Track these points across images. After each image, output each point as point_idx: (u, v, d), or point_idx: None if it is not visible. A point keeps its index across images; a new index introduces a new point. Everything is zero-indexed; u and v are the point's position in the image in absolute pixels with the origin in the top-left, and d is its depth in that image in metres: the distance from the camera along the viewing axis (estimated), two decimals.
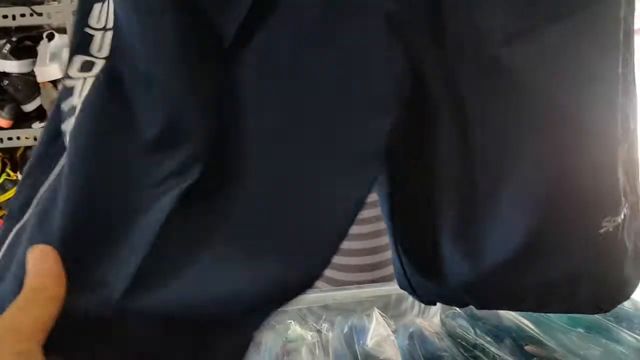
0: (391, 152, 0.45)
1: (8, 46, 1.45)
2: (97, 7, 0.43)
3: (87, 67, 0.43)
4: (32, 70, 1.47)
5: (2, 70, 1.44)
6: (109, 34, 0.43)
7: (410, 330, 0.73)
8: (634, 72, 0.49)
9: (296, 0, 0.44)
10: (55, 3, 1.45)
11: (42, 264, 0.36)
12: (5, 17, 1.41)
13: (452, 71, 0.46)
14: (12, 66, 1.43)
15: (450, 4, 0.45)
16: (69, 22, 1.42)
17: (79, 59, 0.43)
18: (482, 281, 0.50)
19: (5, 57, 1.43)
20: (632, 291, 0.51)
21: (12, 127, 1.49)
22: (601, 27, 0.46)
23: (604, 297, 0.51)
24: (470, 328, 0.69)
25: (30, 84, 1.46)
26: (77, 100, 0.42)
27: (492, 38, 0.45)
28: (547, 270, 0.48)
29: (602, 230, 0.46)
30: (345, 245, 0.83)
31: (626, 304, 0.72)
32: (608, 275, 0.49)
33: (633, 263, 0.50)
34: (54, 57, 1.47)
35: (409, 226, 0.54)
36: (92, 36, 0.43)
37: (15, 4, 1.42)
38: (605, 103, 0.47)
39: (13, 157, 1.56)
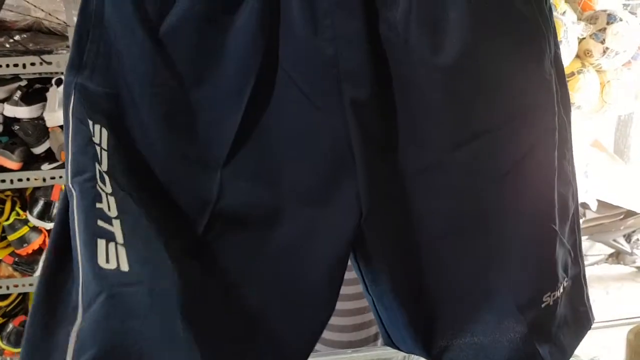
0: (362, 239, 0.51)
1: (19, 93, 1.51)
2: (89, 123, 0.48)
3: (102, 179, 0.47)
4: (42, 114, 1.54)
5: (13, 116, 1.50)
6: (105, 154, 0.47)
7: None
8: (572, 163, 0.56)
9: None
10: (64, 52, 1.52)
11: None
12: (15, 65, 1.47)
13: (402, 172, 0.51)
14: (23, 112, 1.50)
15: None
16: None
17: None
18: (441, 344, 0.56)
19: (16, 104, 1.50)
20: (568, 357, 0.58)
21: (22, 169, 1.54)
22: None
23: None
24: None
25: (39, 128, 1.52)
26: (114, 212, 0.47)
27: (436, 145, 0.51)
28: (500, 337, 0.54)
29: (543, 305, 0.53)
30: None
31: None
32: (548, 343, 0.55)
33: (571, 330, 0.57)
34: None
35: (385, 296, 0.58)
36: (96, 148, 0.47)
37: (25, 54, 1.49)
38: (542, 188, 0.52)
39: (22, 196, 1.62)
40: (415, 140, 0.51)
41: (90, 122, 0.47)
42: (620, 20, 1.86)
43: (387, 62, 0.50)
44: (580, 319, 0.58)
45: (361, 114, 0.49)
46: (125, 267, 0.45)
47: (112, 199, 0.46)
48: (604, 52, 1.87)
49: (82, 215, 0.46)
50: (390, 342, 0.62)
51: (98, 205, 0.46)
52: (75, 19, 1.43)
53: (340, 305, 0.89)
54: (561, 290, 0.55)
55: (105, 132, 0.48)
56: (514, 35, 0.50)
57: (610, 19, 1.86)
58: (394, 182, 0.52)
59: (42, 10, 1.46)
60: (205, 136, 0.50)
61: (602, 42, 1.86)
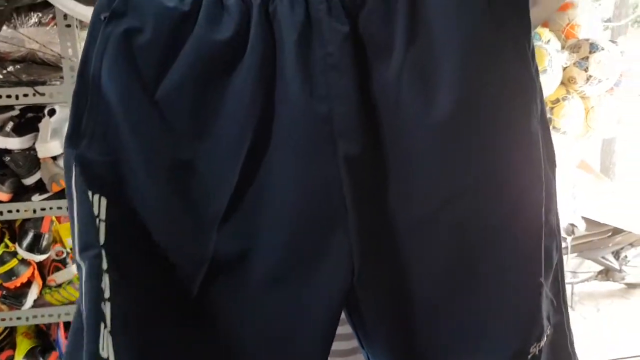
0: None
1: (11, 124, 1.51)
2: (89, 193, 0.49)
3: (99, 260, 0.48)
4: (33, 145, 1.54)
5: (4, 147, 1.49)
6: (102, 225, 0.49)
7: None
8: (557, 215, 0.57)
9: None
10: (58, 83, 1.52)
11: None
12: (8, 96, 1.47)
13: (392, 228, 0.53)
14: (14, 143, 1.49)
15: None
16: (70, 101, 1.49)
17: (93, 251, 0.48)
18: None
19: (8, 135, 1.49)
20: None
21: (12, 200, 1.52)
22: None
23: None
24: None
25: (31, 159, 1.51)
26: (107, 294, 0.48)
27: (428, 200, 0.52)
28: None
29: (529, 356, 0.55)
30: None
31: None
32: None
33: None
34: (55, 132, 1.53)
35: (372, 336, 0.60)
36: (97, 224, 0.49)
37: (18, 85, 1.49)
38: (529, 243, 0.54)
39: (11, 228, 1.62)
40: (407, 196, 0.52)
41: (90, 193, 0.49)
42: (602, 49, 1.90)
43: (380, 119, 0.51)
44: None
45: (354, 170, 0.50)
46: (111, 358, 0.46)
47: (106, 277, 0.47)
48: (588, 79, 1.91)
49: (88, 296, 0.47)
50: None
51: (101, 285, 0.47)
52: (69, 50, 1.44)
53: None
54: (545, 339, 0.56)
55: (104, 201, 0.49)
56: (504, 95, 0.52)
57: (593, 47, 1.90)
58: (387, 238, 0.53)
59: (37, 42, 1.47)
60: (203, 197, 0.51)
61: (586, 70, 1.90)
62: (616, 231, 2.97)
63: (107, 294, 0.47)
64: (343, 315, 0.88)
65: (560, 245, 0.58)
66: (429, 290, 0.55)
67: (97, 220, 0.49)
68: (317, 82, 0.50)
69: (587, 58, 1.88)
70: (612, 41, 2.06)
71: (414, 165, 0.52)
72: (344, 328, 0.88)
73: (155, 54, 0.50)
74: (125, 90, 0.50)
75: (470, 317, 0.55)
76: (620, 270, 3.09)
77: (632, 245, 3.17)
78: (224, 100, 0.50)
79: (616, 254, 3.09)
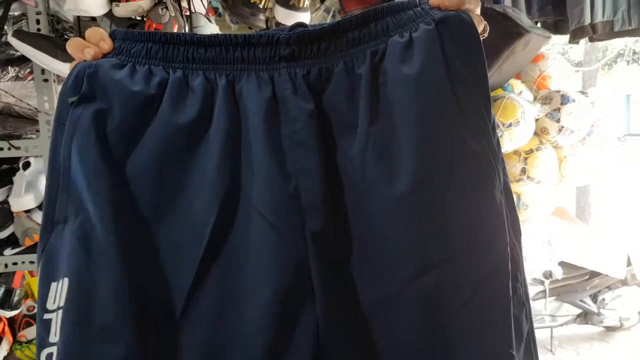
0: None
1: None
2: (53, 285, 0.49)
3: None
4: (7, 198, 1.53)
5: None
6: (60, 314, 0.48)
7: None
8: (525, 283, 0.57)
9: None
10: (34, 136, 1.52)
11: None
12: None
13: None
14: None
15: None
16: (46, 155, 1.49)
17: (44, 354, 0.48)
18: None
19: None
20: None
21: None
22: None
23: None
24: None
25: (4, 213, 1.49)
26: None
27: (395, 275, 0.52)
28: None
29: None
30: None
31: None
32: None
33: None
34: (30, 186, 1.52)
35: None
36: (50, 321, 0.49)
37: None
38: (498, 315, 0.53)
39: None
40: (373, 273, 0.52)
41: (54, 284, 0.49)
42: (573, 100, 1.95)
43: (345, 194, 0.52)
44: None
45: (321, 246, 0.50)
46: None
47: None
48: (560, 130, 1.95)
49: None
50: None
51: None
52: (46, 104, 1.44)
53: None
54: None
55: (66, 283, 0.49)
56: (465, 169, 0.52)
57: (564, 99, 1.96)
58: (353, 315, 0.53)
59: (13, 96, 1.47)
60: (166, 281, 0.51)
61: (558, 121, 1.94)
62: (593, 274, 3.00)
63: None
64: None
65: (530, 314, 0.58)
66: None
67: (56, 311, 0.49)
68: (284, 159, 0.50)
69: (558, 109, 1.93)
70: (583, 92, 2.12)
71: (379, 241, 0.52)
72: None
73: (123, 135, 0.51)
74: (95, 170, 0.50)
75: None
76: (598, 314, 3.11)
77: (609, 288, 3.20)
78: (190, 176, 0.51)
79: (594, 297, 3.11)
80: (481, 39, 0.54)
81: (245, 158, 0.51)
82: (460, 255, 0.52)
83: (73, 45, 0.54)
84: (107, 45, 0.54)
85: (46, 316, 0.49)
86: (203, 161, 0.51)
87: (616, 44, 5.12)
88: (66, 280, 0.49)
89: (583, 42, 2.92)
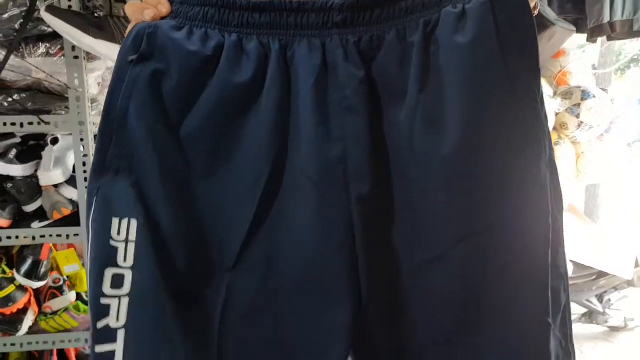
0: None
1: (14, 151, 1.52)
2: (115, 221, 0.51)
3: (118, 282, 0.50)
4: (35, 172, 1.54)
5: (7, 174, 1.48)
6: (132, 245, 0.50)
7: None
8: (564, 257, 0.58)
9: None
10: (63, 112, 1.53)
11: None
12: (13, 124, 1.46)
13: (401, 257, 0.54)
14: (17, 170, 1.48)
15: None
16: (76, 132, 1.50)
17: (110, 272, 0.50)
18: None
19: (10, 162, 1.49)
20: None
21: (11, 226, 1.51)
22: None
23: None
24: None
25: (32, 187, 1.50)
26: (115, 323, 0.49)
27: (437, 241, 0.53)
28: None
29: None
30: None
31: None
32: None
33: None
34: (58, 161, 1.53)
35: None
36: (116, 249, 0.50)
37: (23, 113, 1.50)
38: (537, 284, 0.54)
39: (9, 254, 1.60)
40: (417, 236, 0.53)
41: (116, 219, 0.50)
42: (594, 96, 1.96)
43: (391, 159, 0.53)
44: None
45: (366, 210, 0.51)
46: None
47: (126, 300, 0.48)
48: (579, 125, 1.96)
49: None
50: None
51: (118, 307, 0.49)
52: (76, 81, 1.45)
53: None
54: None
55: (133, 223, 0.50)
56: (512, 138, 0.53)
57: (585, 95, 1.96)
58: (394, 278, 0.54)
59: (44, 71, 1.48)
60: (219, 235, 0.52)
61: (577, 116, 1.95)
62: (601, 275, 3.00)
63: (121, 322, 0.48)
64: None
65: (568, 287, 0.59)
66: (435, 330, 0.55)
67: (123, 243, 0.50)
68: (332, 125, 0.51)
69: (579, 105, 1.94)
70: (603, 89, 2.13)
71: (422, 206, 0.53)
72: None
73: (180, 95, 0.52)
74: (152, 128, 0.52)
75: (477, 358, 0.55)
76: (603, 314, 3.11)
77: (615, 289, 3.20)
78: (242, 140, 0.52)
79: (600, 297, 3.11)
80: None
81: (295, 122, 0.52)
82: (502, 223, 0.53)
83: (132, 7, 0.55)
84: (165, 8, 0.54)
85: (113, 243, 0.50)
86: (255, 124, 0.52)
87: (630, 49, 5.10)
88: (134, 220, 0.51)
89: (599, 44, 2.91)
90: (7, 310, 1.46)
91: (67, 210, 1.51)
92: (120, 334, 0.48)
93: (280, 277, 0.52)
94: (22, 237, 1.50)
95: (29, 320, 1.52)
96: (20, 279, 1.49)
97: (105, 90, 1.77)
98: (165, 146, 0.52)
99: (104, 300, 0.49)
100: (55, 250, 1.58)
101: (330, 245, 0.51)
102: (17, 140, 1.59)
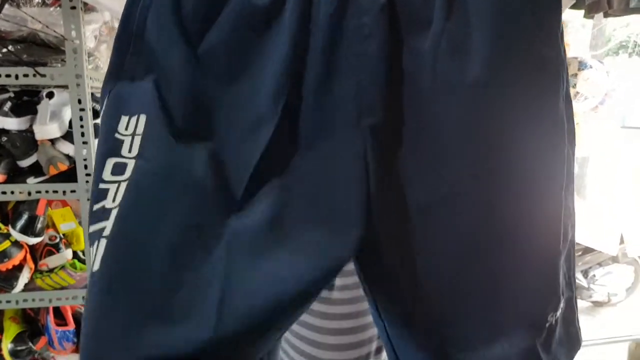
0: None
1: (9, 104, 1.47)
2: (124, 118, 0.49)
3: (119, 170, 0.48)
4: (31, 127, 1.50)
5: (1, 127, 1.44)
6: (138, 138, 0.48)
7: None
8: (573, 194, 0.58)
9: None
10: (59, 65, 1.49)
11: None
12: (8, 76, 1.42)
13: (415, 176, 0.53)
14: (12, 123, 1.44)
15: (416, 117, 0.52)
16: (72, 84, 1.46)
17: (111, 162, 0.48)
18: None
19: (6, 115, 1.45)
20: None
21: (6, 182, 1.47)
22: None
23: None
24: None
25: (28, 141, 1.46)
26: (110, 204, 0.47)
27: (454, 175, 0.52)
28: (508, 355, 0.56)
29: (547, 324, 0.56)
30: (326, 324, 0.90)
31: None
32: (553, 358, 0.58)
33: (565, 349, 0.60)
34: (54, 115, 1.50)
35: (392, 315, 0.60)
36: (122, 141, 0.48)
37: (18, 64, 1.45)
38: (550, 217, 0.54)
39: (3, 210, 1.56)
40: (433, 169, 0.52)
41: (125, 117, 0.49)
42: (590, 67, 1.97)
43: (409, 91, 0.51)
44: (571, 339, 0.60)
45: (379, 142, 0.50)
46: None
47: (123, 185, 0.46)
48: (575, 96, 1.97)
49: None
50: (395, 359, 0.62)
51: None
52: (73, 32, 1.41)
53: (334, 324, 0.88)
54: (560, 310, 0.57)
55: (142, 118, 0.48)
56: (533, 69, 0.52)
57: (582, 65, 1.97)
58: (408, 211, 0.53)
59: (40, 22, 1.44)
60: (235, 152, 0.51)
61: (574, 86, 1.96)
62: (586, 250, 3.05)
63: (117, 200, 0.46)
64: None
65: (575, 225, 0.59)
66: (450, 263, 0.55)
67: (129, 137, 0.48)
68: (349, 51, 0.50)
69: (575, 75, 1.95)
70: (600, 61, 2.14)
71: (441, 138, 0.52)
72: (343, 293, 0.88)
73: (200, 11, 0.50)
74: (170, 40, 0.50)
75: (491, 286, 0.55)
76: (588, 289, 3.17)
77: (600, 264, 3.26)
78: (259, 62, 0.51)
79: (585, 273, 3.17)
80: None
81: (312, 48, 0.50)
82: (520, 155, 0.52)
83: None
84: None
85: (118, 136, 0.48)
86: (272, 48, 0.50)
87: (619, 35, 5.13)
88: (143, 116, 0.49)
89: (591, 26, 2.93)
90: (2, 267, 1.43)
91: (63, 166, 1.48)
92: (113, 212, 0.46)
93: (291, 208, 0.51)
94: (17, 192, 1.47)
95: (24, 277, 1.49)
96: (16, 235, 1.45)
97: (103, 45, 1.73)
98: (183, 59, 0.50)
99: (102, 185, 0.47)
100: (50, 208, 1.55)
101: (343, 175, 0.50)
102: (11, 95, 1.55)
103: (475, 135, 0.52)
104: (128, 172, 0.47)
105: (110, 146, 0.48)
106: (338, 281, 0.90)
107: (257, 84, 0.51)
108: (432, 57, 0.51)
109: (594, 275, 3.28)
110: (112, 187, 0.47)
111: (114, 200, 0.46)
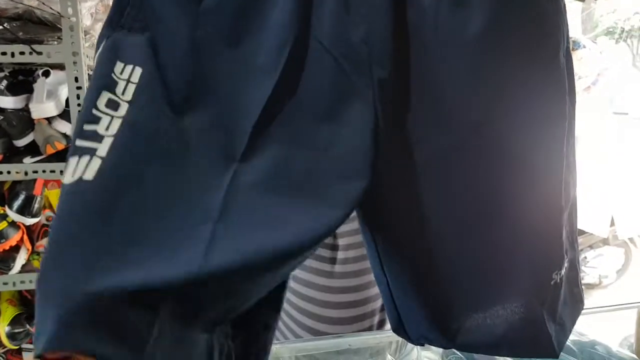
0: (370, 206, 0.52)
1: (5, 82, 1.45)
2: (120, 64, 0.47)
3: (112, 105, 0.46)
4: (27, 106, 1.48)
5: None
6: (133, 86, 0.46)
7: None
8: (574, 152, 0.58)
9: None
10: (55, 43, 1.47)
11: None
12: (4, 54, 1.40)
13: (423, 135, 0.52)
14: (8, 102, 1.42)
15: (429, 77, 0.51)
16: (68, 62, 1.44)
17: (106, 95, 0.46)
18: (458, 330, 0.58)
19: (2, 93, 1.43)
20: (568, 335, 0.60)
21: (2, 162, 1.45)
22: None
23: (559, 339, 0.58)
24: None
25: (24, 120, 1.44)
26: (103, 131, 0.45)
27: (459, 126, 0.52)
28: (512, 316, 0.56)
29: (552, 282, 0.56)
30: (329, 297, 0.89)
31: (600, 349, 0.82)
32: (555, 322, 0.58)
33: (569, 309, 0.59)
34: (50, 94, 1.48)
35: (398, 279, 0.60)
36: (117, 82, 0.46)
37: (14, 42, 1.43)
38: (553, 172, 0.54)
39: (0, 191, 1.54)
40: (437, 121, 0.52)
41: (121, 63, 0.47)
42: (584, 47, 1.98)
43: (414, 44, 0.51)
44: (575, 299, 0.60)
45: (386, 92, 0.50)
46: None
47: (117, 122, 0.45)
48: None
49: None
50: (400, 328, 0.63)
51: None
52: (69, 9, 1.39)
53: (337, 297, 0.89)
54: (564, 269, 0.57)
55: (138, 70, 0.47)
56: (534, 23, 0.52)
57: (575, 45, 1.98)
58: (414, 164, 0.53)
59: None
60: (236, 104, 0.50)
61: None
62: (579, 233, 3.09)
63: (111, 131, 0.45)
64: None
65: (576, 182, 0.59)
66: (453, 216, 0.54)
67: (124, 82, 0.46)
68: (355, 3, 0.49)
69: None
70: (593, 41, 2.15)
71: (444, 90, 0.51)
72: (346, 267, 0.87)
73: None
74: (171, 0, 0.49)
75: (495, 243, 0.55)
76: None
77: (591, 247, 3.30)
78: (264, 16, 0.50)
79: None
80: None
81: (317, 2, 0.49)
82: (522, 110, 0.52)
83: None
84: None
85: (114, 77, 0.46)
86: (278, 3, 0.50)
87: (606, 21, 5.17)
88: (139, 68, 0.47)
89: (579, 10, 2.94)
90: None
91: (60, 145, 1.46)
92: (107, 140, 0.44)
93: (294, 159, 0.50)
94: (13, 172, 1.44)
95: (21, 259, 1.47)
96: (13, 215, 1.43)
97: (99, 24, 1.70)
98: (183, 16, 0.49)
99: (95, 112, 0.45)
100: (47, 189, 1.53)
101: (352, 127, 0.50)
102: (6, 74, 1.53)
103: (477, 88, 0.51)
104: (122, 112, 0.46)
105: (106, 82, 0.46)
106: (340, 254, 0.90)
107: (261, 39, 0.50)
108: (434, 10, 0.51)
109: (585, 258, 3.32)
110: (106, 118, 0.45)
111: (107, 129, 0.45)
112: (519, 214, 0.54)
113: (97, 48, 0.50)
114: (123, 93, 0.46)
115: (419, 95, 0.52)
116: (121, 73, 0.47)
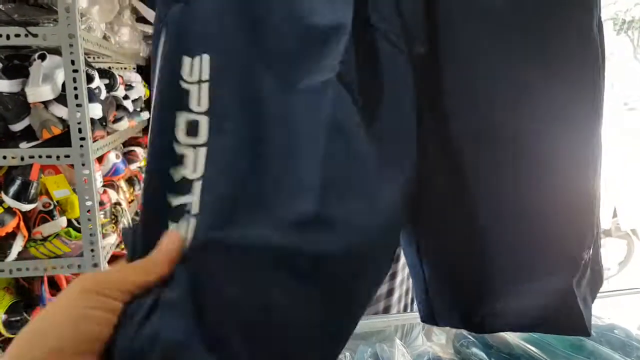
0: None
1: (0, 65, 1.42)
2: (186, 60, 0.43)
3: (192, 130, 0.41)
4: (22, 90, 1.44)
5: None
6: (205, 87, 0.42)
7: (425, 359, 0.77)
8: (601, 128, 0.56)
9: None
10: (51, 25, 1.43)
11: (171, 247, 0.38)
12: None
13: (452, 129, 0.52)
14: (4, 85, 1.38)
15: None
16: (65, 44, 1.40)
17: (183, 118, 0.41)
18: (493, 306, 0.57)
19: None
20: (591, 313, 0.58)
21: None
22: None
23: (588, 317, 0.57)
24: (486, 357, 0.74)
25: (20, 104, 1.40)
26: (191, 174, 0.40)
27: (494, 105, 0.51)
28: (547, 297, 0.55)
29: (583, 261, 0.55)
30: None
31: (619, 332, 0.80)
32: (583, 297, 0.57)
33: (590, 286, 0.58)
34: (47, 77, 1.44)
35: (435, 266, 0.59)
36: (188, 90, 0.42)
37: (9, 24, 1.39)
38: (584, 148, 0.53)
39: None
40: (469, 103, 0.51)
41: (187, 58, 0.43)
42: None
43: (443, 20, 0.50)
44: (595, 277, 0.59)
45: (420, 69, 0.49)
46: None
47: (202, 151, 0.41)
48: None
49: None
50: (429, 316, 0.61)
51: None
52: None
53: None
54: (593, 246, 0.56)
55: (206, 58, 0.43)
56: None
57: None
58: (446, 143, 0.52)
59: None
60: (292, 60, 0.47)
61: None
62: None
63: (199, 171, 0.41)
64: None
65: (602, 159, 0.57)
66: (490, 197, 0.54)
67: (197, 84, 0.42)
68: None
69: None
70: None
71: (476, 67, 0.51)
72: None
73: None
74: None
75: (530, 222, 0.54)
76: None
77: None
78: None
79: None
80: None
81: None
82: (555, 81, 0.51)
83: None
84: None
85: (185, 86, 0.42)
86: None
87: (606, 12, 5.12)
88: (206, 56, 0.43)
89: None
90: None
91: (57, 130, 1.42)
92: (197, 185, 0.40)
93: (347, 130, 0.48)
94: (9, 157, 1.41)
95: (18, 246, 1.44)
96: (9, 201, 1.40)
97: (95, 7, 1.66)
98: None
99: (178, 149, 0.40)
100: (43, 175, 1.50)
101: (398, 100, 0.48)
102: (1, 57, 1.49)
103: (507, 62, 0.50)
104: (203, 135, 0.41)
105: (175, 95, 0.41)
106: None
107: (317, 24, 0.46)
108: None
109: None
110: (189, 153, 0.41)
111: (194, 170, 0.40)
112: (554, 191, 0.53)
113: (157, 31, 0.45)
114: (199, 103, 0.41)
115: (452, 74, 0.51)
116: (190, 74, 0.42)
